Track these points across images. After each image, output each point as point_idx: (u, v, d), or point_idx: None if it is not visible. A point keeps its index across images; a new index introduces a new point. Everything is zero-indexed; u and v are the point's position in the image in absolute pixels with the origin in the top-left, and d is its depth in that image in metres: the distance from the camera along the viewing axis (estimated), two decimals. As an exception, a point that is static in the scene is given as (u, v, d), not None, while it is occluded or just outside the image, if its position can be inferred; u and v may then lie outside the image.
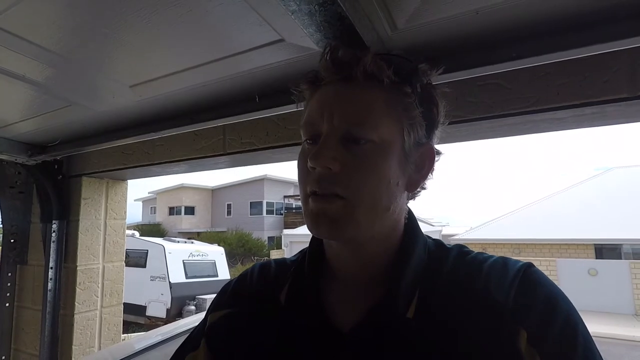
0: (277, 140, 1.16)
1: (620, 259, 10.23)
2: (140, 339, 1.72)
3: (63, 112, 1.18)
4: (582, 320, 0.45)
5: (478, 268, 0.49)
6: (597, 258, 10.53)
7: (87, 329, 1.71)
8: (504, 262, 0.50)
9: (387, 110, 0.49)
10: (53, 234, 1.68)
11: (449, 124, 0.58)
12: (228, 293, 0.63)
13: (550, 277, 0.50)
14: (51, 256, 1.67)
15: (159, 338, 1.64)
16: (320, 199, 0.47)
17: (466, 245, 0.56)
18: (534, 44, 0.66)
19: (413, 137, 0.51)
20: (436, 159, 0.54)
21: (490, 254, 0.52)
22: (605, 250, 10.81)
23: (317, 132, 0.50)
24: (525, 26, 0.66)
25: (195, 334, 0.64)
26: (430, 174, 0.54)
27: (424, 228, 0.57)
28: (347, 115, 0.48)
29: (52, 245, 1.67)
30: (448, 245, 0.55)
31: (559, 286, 0.47)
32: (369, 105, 0.49)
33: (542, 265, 8.96)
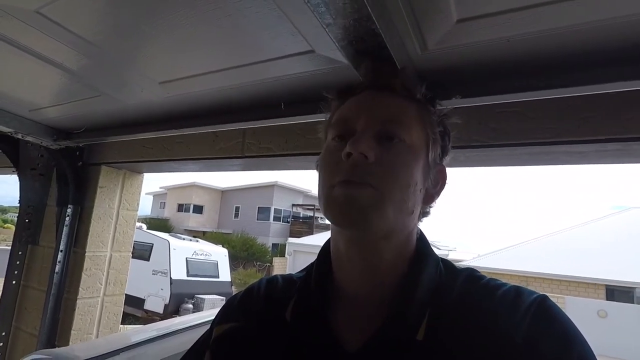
0: (295, 148, 1.18)
1: (633, 302, 9.86)
2: (137, 332, 1.72)
3: (92, 101, 1.22)
4: None
5: (489, 296, 0.47)
6: (607, 299, 10.19)
7: (87, 315, 1.73)
8: (517, 292, 0.47)
9: (418, 119, 0.53)
10: (67, 218, 1.72)
11: (469, 147, 0.59)
12: (234, 306, 0.62)
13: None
14: (62, 239, 1.70)
15: (154, 333, 1.64)
16: (350, 185, 0.47)
17: None
18: (561, 76, 0.67)
19: (434, 152, 0.54)
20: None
21: (503, 281, 0.50)
22: (617, 293, 10.44)
23: (350, 129, 0.51)
24: (554, 57, 0.66)
25: (199, 345, 0.63)
26: (440, 195, 0.56)
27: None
28: (384, 113, 0.52)
29: (65, 229, 1.71)
30: (459, 268, 0.54)
31: None
32: (404, 110, 0.53)
33: (549, 301, 8.68)
